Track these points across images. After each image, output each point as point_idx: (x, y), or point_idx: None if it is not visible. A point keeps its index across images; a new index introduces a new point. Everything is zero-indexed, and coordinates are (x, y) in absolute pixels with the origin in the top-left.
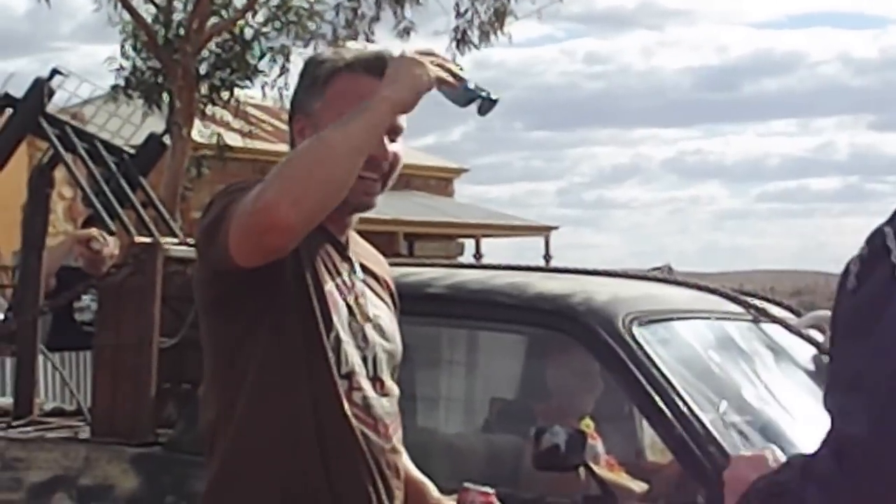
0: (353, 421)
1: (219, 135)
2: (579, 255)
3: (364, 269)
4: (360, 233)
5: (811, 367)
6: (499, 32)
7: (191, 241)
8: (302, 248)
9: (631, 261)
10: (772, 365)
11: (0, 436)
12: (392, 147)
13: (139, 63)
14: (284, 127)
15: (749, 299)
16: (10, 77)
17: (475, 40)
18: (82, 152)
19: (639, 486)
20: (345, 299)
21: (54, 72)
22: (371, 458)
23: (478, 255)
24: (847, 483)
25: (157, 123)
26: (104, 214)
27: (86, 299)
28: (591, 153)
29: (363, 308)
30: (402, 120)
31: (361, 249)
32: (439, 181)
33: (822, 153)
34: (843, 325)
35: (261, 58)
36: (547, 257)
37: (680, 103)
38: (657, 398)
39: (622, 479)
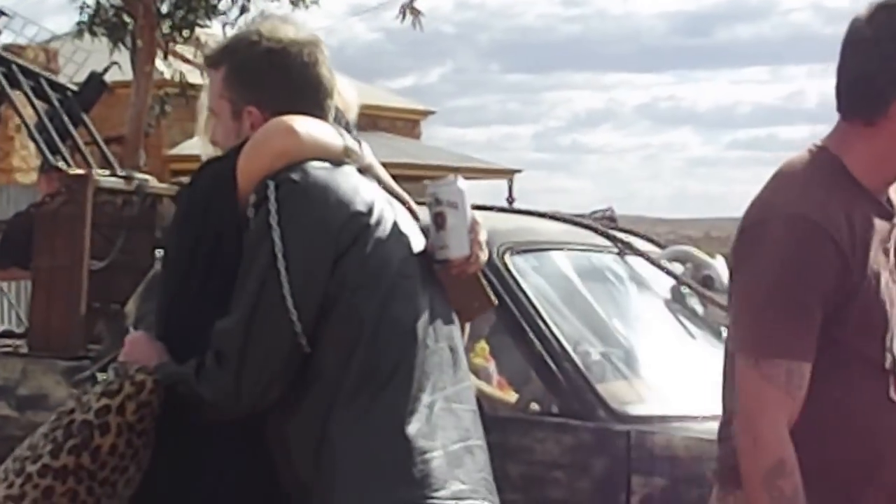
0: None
1: (181, 73)
2: (552, 199)
3: None
4: None
5: (669, 296)
6: None
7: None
8: None
9: (600, 206)
10: (632, 292)
11: None
12: None
13: (103, 1)
14: None
15: (616, 233)
16: None
17: None
18: (27, 89)
19: (512, 399)
20: None
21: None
22: None
23: None
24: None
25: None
26: (45, 149)
27: None
28: (567, 97)
29: None
30: None
31: None
32: (406, 123)
33: (793, 102)
34: None
35: None
36: (510, 199)
37: (654, 48)
38: (521, 320)
39: (498, 393)
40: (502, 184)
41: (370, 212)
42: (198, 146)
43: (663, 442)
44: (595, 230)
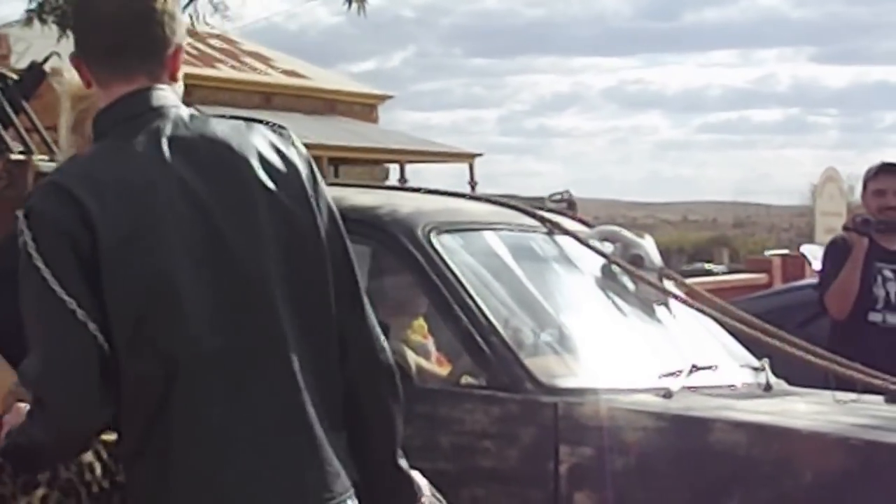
0: None
1: None
2: (521, 183)
3: None
4: None
5: (599, 274)
6: None
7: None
8: None
9: (573, 189)
10: (563, 270)
11: None
12: None
13: None
14: (205, 48)
15: (544, 213)
16: None
17: None
18: None
19: (444, 372)
20: None
21: None
22: None
23: (402, 179)
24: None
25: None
26: None
27: None
28: (532, 81)
29: None
30: None
31: None
32: (364, 107)
33: (764, 84)
34: None
35: None
36: (472, 183)
37: (620, 32)
38: (448, 296)
39: (436, 368)
40: (466, 167)
41: (128, 217)
42: None
43: (590, 413)
44: (523, 211)
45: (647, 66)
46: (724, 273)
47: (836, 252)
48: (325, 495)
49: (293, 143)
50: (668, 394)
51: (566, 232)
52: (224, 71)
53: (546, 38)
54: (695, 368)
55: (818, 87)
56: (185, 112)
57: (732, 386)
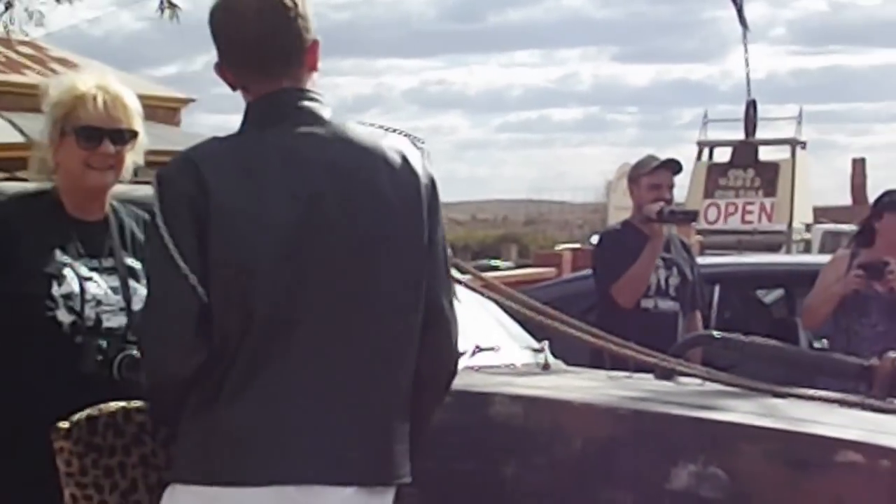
0: None
1: None
2: None
3: None
4: None
5: None
6: None
7: None
8: None
9: None
10: None
11: None
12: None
13: None
14: (13, 55)
15: None
16: None
17: None
18: None
19: None
20: None
21: None
22: None
23: None
24: None
25: None
26: None
27: None
28: (334, 83)
29: None
30: None
31: None
32: (167, 111)
33: (565, 84)
34: None
35: None
36: None
37: (424, 34)
38: None
39: None
40: None
41: (239, 192)
42: None
43: None
44: None
45: (449, 67)
46: (510, 268)
47: (615, 243)
48: (369, 478)
49: (424, 157)
50: None
51: None
52: (31, 77)
53: (350, 41)
54: (478, 349)
55: (619, 86)
56: (322, 111)
57: (512, 365)
